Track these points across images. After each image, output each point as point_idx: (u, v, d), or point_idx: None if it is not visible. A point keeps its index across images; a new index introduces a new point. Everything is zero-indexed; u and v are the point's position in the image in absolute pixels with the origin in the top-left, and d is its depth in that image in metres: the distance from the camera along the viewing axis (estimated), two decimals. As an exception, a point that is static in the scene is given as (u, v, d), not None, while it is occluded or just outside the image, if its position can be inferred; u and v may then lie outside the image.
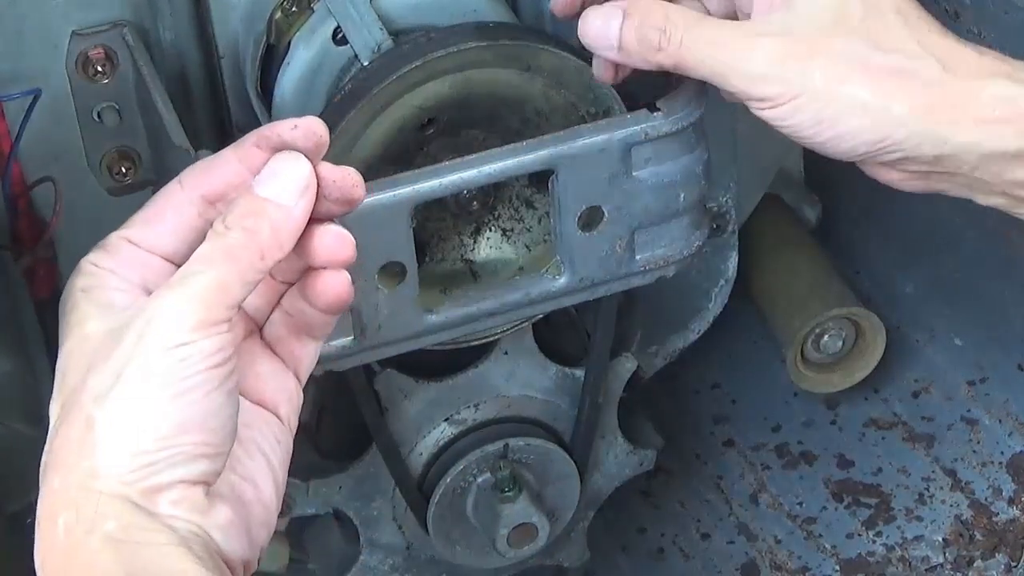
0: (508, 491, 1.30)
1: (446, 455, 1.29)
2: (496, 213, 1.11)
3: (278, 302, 0.87)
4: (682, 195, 1.06)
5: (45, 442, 1.30)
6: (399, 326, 1.05)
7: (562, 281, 1.08)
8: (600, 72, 1.00)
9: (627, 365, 1.35)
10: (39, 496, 0.80)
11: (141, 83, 1.09)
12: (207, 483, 0.79)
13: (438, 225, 1.11)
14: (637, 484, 1.49)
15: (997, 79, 0.94)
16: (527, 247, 1.12)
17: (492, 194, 1.10)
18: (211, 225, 0.82)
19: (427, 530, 1.32)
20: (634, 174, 1.02)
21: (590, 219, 1.05)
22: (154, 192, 1.15)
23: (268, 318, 0.88)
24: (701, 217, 1.10)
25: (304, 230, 0.82)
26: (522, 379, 1.30)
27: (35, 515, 0.80)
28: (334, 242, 0.83)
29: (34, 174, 1.12)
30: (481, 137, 1.08)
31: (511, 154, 1.01)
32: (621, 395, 1.36)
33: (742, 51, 0.93)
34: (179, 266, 0.82)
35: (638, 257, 1.08)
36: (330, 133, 1.01)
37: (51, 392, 1.25)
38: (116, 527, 0.76)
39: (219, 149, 1.15)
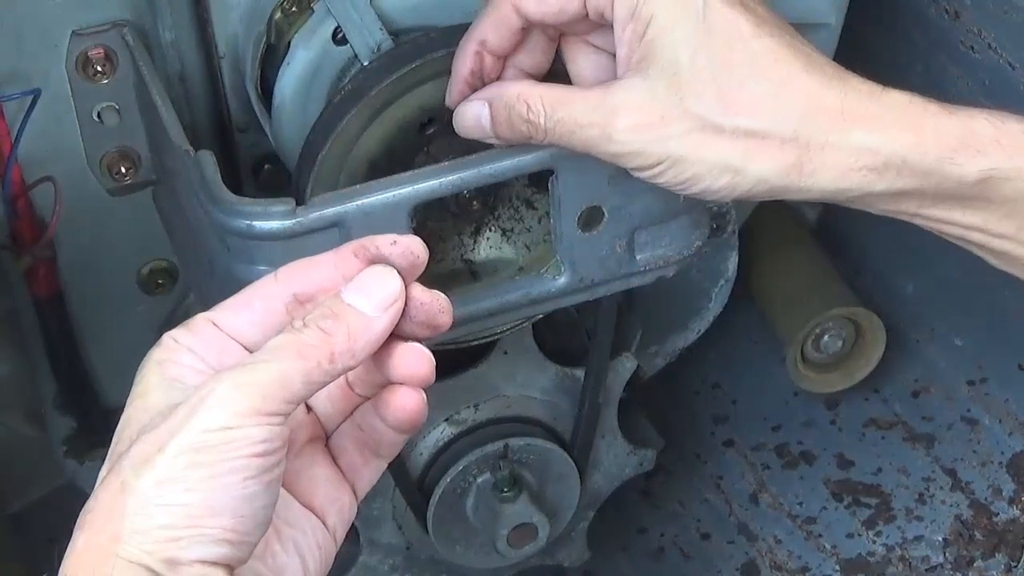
0: (508, 491, 1.30)
1: (446, 455, 1.29)
2: (496, 213, 1.11)
3: (351, 414, 0.88)
4: (682, 195, 1.06)
5: (45, 442, 1.31)
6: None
7: (562, 281, 1.08)
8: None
9: (627, 365, 1.35)
10: (65, 555, 0.79)
11: (141, 83, 1.09)
12: (229, 567, 0.78)
13: (438, 225, 1.11)
14: (637, 484, 1.49)
15: (859, 127, 0.92)
16: (527, 247, 1.12)
17: (492, 194, 1.10)
18: None
19: (427, 530, 1.32)
20: (633, 174, 1.02)
21: (590, 219, 1.05)
22: (154, 194, 1.16)
23: (338, 428, 0.88)
24: (701, 217, 1.10)
25: (385, 345, 0.82)
26: (522, 379, 1.30)
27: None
28: (414, 359, 0.84)
29: (34, 174, 1.12)
30: (481, 137, 1.08)
31: (511, 154, 1.01)
32: (621, 395, 1.36)
33: (601, 128, 0.94)
34: None
35: (638, 257, 1.08)
36: (330, 133, 1.02)
37: (51, 392, 1.26)
38: None
39: (219, 149, 1.15)
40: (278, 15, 1.12)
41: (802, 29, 1.31)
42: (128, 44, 1.10)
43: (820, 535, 1.55)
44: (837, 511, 1.56)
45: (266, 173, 1.20)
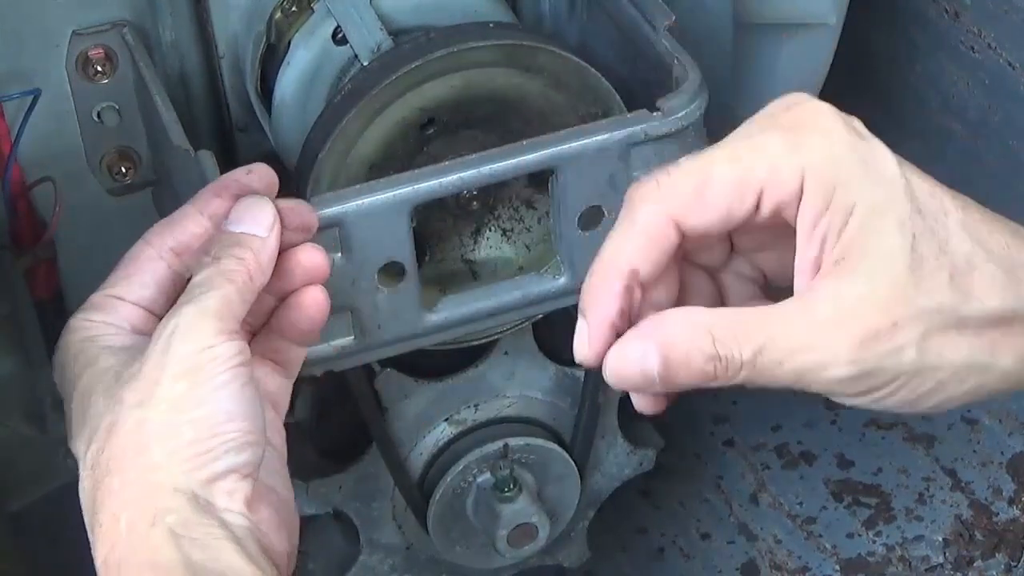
0: (508, 491, 1.30)
1: (446, 455, 1.29)
2: (496, 213, 1.11)
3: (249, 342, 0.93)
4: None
5: (45, 442, 1.31)
6: (399, 326, 1.05)
7: (562, 281, 1.08)
8: (646, 407, 0.82)
9: (627, 365, 1.34)
10: (97, 507, 0.85)
11: (141, 83, 1.09)
12: (252, 476, 0.85)
13: (438, 225, 1.11)
14: (637, 484, 1.49)
15: None
16: (527, 247, 1.12)
17: (492, 194, 1.10)
18: (181, 273, 0.92)
19: (427, 530, 1.32)
20: (634, 174, 1.02)
21: (590, 219, 1.05)
22: (153, 194, 1.16)
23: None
24: (701, 217, 1.10)
25: (279, 260, 0.91)
26: (522, 379, 1.30)
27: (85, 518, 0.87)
28: (310, 254, 0.92)
29: (34, 174, 1.12)
30: (481, 137, 1.08)
31: (511, 154, 1.01)
32: (621, 395, 1.36)
33: (818, 352, 0.76)
34: (158, 315, 0.91)
35: (638, 257, 1.08)
36: (330, 133, 1.02)
37: (51, 392, 1.25)
38: (176, 521, 0.81)
39: (219, 149, 1.15)
40: (278, 15, 1.12)
41: (802, 29, 1.31)
42: (128, 44, 1.10)
43: (820, 535, 1.55)
44: (837, 511, 1.56)
45: (266, 173, 1.20)
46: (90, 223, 1.16)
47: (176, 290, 0.92)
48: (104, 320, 0.91)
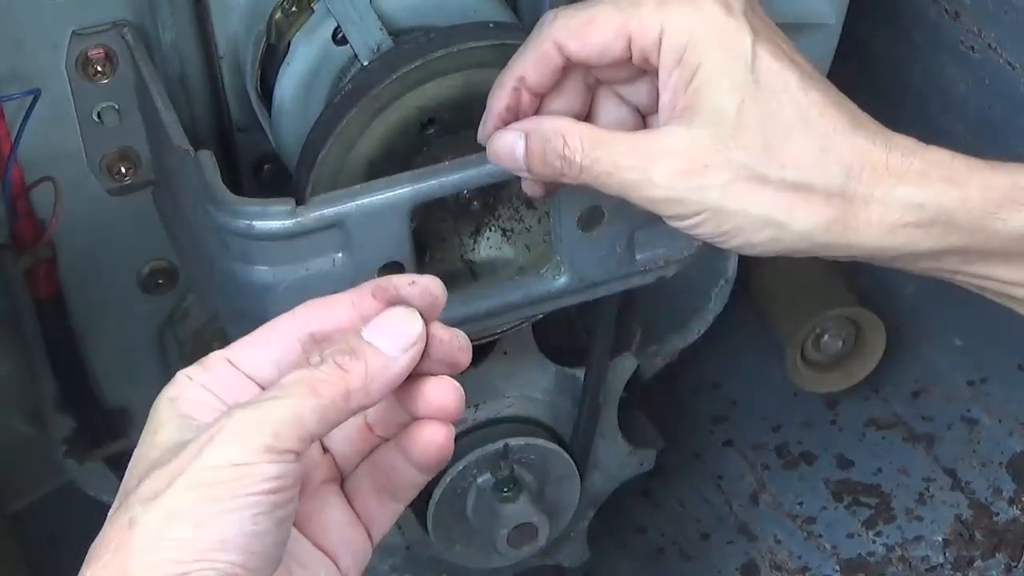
0: (508, 491, 1.30)
1: (446, 455, 1.29)
2: (496, 213, 1.11)
3: (369, 454, 0.87)
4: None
5: (45, 442, 1.31)
6: (399, 326, 1.04)
7: (562, 281, 1.08)
8: (528, 189, 0.99)
9: (627, 365, 1.35)
10: None
11: (141, 83, 1.09)
12: None
13: (438, 225, 1.11)
14: (637, 484, 1.49)
15: (905, 183, 0.90)
16: (527, 247, 1.12)
17: (492, 194, 1.10)
18: None
19: (427, 530, 1.32)
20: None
21: (590, 219, 1.05)
22: (154, 194, 1.16)
23: (355, 470, 0.87)
24: (701, 217, 1.10)
25: (409, 382, 0.81)
26: (522, 379, 1.30)
27: None
28: (442, 392, 0.82)
29: (34, 174, 1.12)
30: (481, 137, 1.08)
31: (511, 154, 1.01)
32: (621, 395, 1.36)
33: (640, 172, 0.91)
34: None
35: (638, 257, 1.08)
36: (330, 133, 1.02)
37: (51, 392, 1.25)
38: None
39: (219, 149, 1.15)
40: (278, 15, 1.12)
41: (802, 29, 1.31)
42: (128, 44, 1.10)
43: (820, 535, 1.55)
44: (837, 511, 1.56)
45: (266, 173, 1.20)
46: (90, 223, 1.16)
47: None
48: (203, 383, 0.81)
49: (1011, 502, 1.52)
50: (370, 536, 0.86)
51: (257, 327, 1.00)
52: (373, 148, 1.04)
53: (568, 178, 0.94)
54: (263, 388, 0.81)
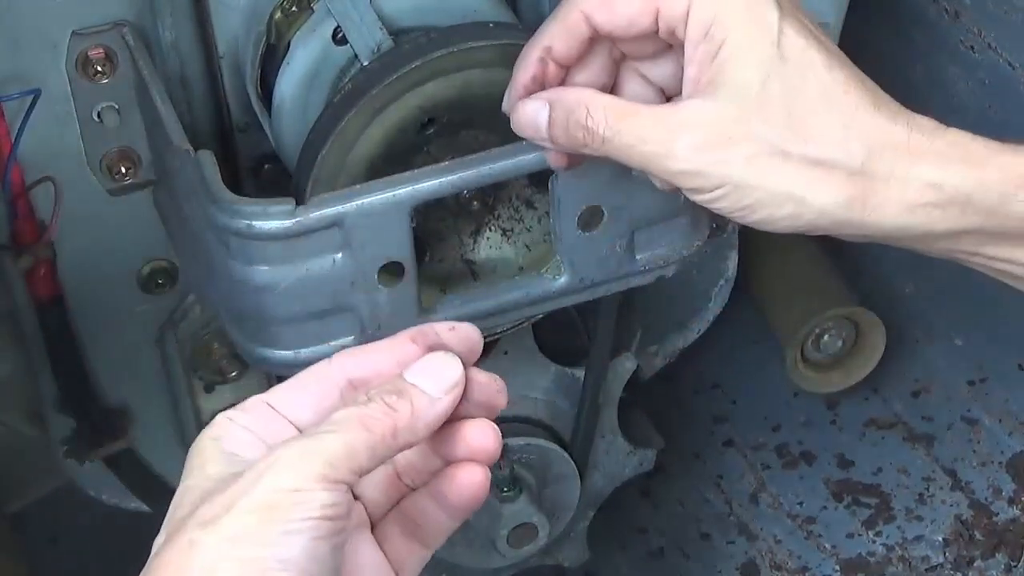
0: (508, 491, 1.30)
1: (446, 455, 1.29)
2: (496, 213, 1.11)
3: (397, 503, 0.89)
4: (682, 194, 1.06)
5: (45, 442, 1.31)
6: (399, 326, 1.04)
7: (562, 281, 1.08)
8: (551, 160, 0.99)
9: (627, 365, 1.35)
10: None
11: (141, 83, 1.09)
12: None
13: (438, 225, 1.11)
14: (637, 484, 1.49)
15: (925, 162, 0.91)
16: (527, 247, 1.12)
17: (492, 194, 1.10)
18: None
19: (427, 530, 1.32)
20: (634, 174, 1.02)
21: (590, 219, 1.05)
22: (154, 194, 1.16)
23: (384, 517, 0.89)
24: (701, 217, 1.10)
25: (444, 427, 0.84)
26: (522, 379, 1.30)
27: None
28: (482, 434, 0.85)
29: (34, 174, 1.12)
30: (481, 137, 1.08)
31: (511, 154, 1.01)
32: (621, 395, 1.36)
33: (663, 144, 0.91)
34: None
35: (638, 257, 1.08)
36: (330, 133, 1.02)
37: (51, 392, 1.25)
38: None
39: (219, 149, 1.15)
40: (278, 15, 1.12)
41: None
42: (128, 44, 1.10)
43: (820, 535, 1.55)
44: (837, 511, 1.56)
45: (266, 173, 1.20)
46: (90, 223, 1.16)
47: None
48: (245, 425, 0.83)
49: (1011, 502, 1.52)
50: None
51: (257, 326, 1.01)
52: (373, 148, 1.04)
53: (590, 149, 0.94)
54: (301, 431, 0.83)
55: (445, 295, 1.08)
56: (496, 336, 1.21)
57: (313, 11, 1.11)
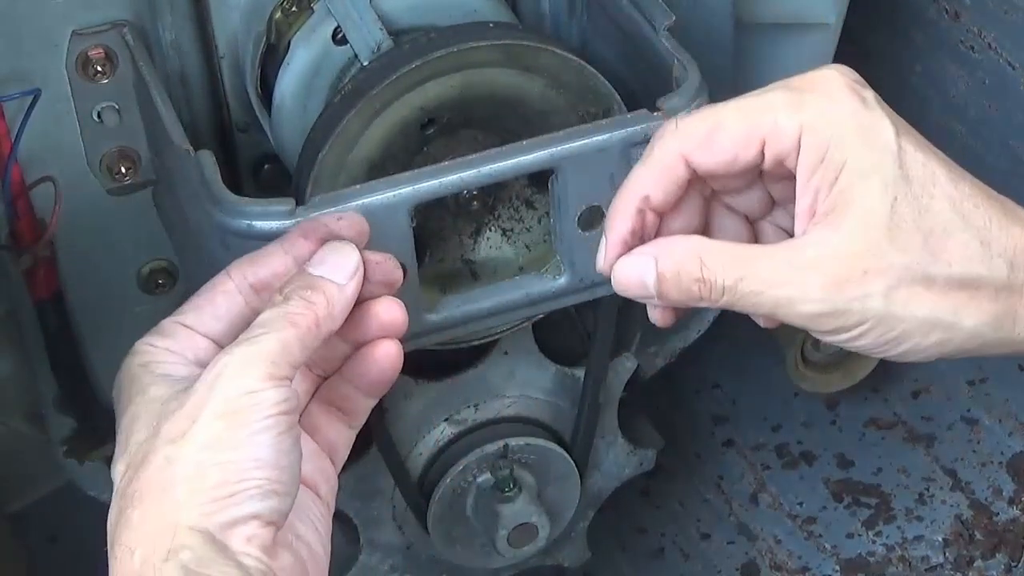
0: (508, 491, 1.30)
1: (446, 455, 1.29)
2: (496, 213, 1.11)
3: (314, 394, 0.94)
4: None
5: (45, 442, 1.31)
6: (399, 326, 1.05)
7: (562, 281, 1.08)
8: (657, 318, 0.93)
9: (627, 365, 1.35)
10: (115, 539, 0.83)
11: (141, 83, 1.09)
12: (276, 524, 0.84)
13: (438, 225, 1.11)
14: (637, 484, 1.49)
15: None
16: (527, 247, 1.12)
17: (492, 194, 1.10)
18: (257, 310, 0.89)
19: (427, 530, 1.32)
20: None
21: (590, 219, 1.05)
22: (154, 194, 1.16)
23: (306, 409, 0.94)
24: (701, 217, 1.10)
25: (352, 312, 0.90)
26: (522, 379, 1.30)
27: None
28: (389, 308, 0.91)
29: (34, 174, 1.12)
30: (481, 137, 1.08)
31: (511, 154, 1.01)
32: (621, 395, 1.36)
33: (793, 289, 0.85)
34: None
35: (638, 257, 1.08)
36: (330, 133, 1.02)
37: (51, 392, 1.25)
38: (190, 558, 0.80)
39: (219, 149, 1.15)
40: (278, 15, 1.12)
41: (802, 29, 1.31)
42: (128, 44, 1.10)
43: (820, 535, 1.55)
44: (837, 511, 1.56)
45: (266, 173, 1.20)
46: (90, 223, 1.16)
47: (248, 327, 0.89)
48: (167, 347, 0.90)
49: (1011, 502, 1.52)
50: (333, 462, 0.94)
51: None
52: (373, 148, 1.04)
53: (707, 302, 0.88)
54: (216, 343, 0.89)
55: (445, 295, 1.08)
56: (496, 336, 1.21)
57: (313, 11, 1.11)
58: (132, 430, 0.86)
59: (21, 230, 1.14)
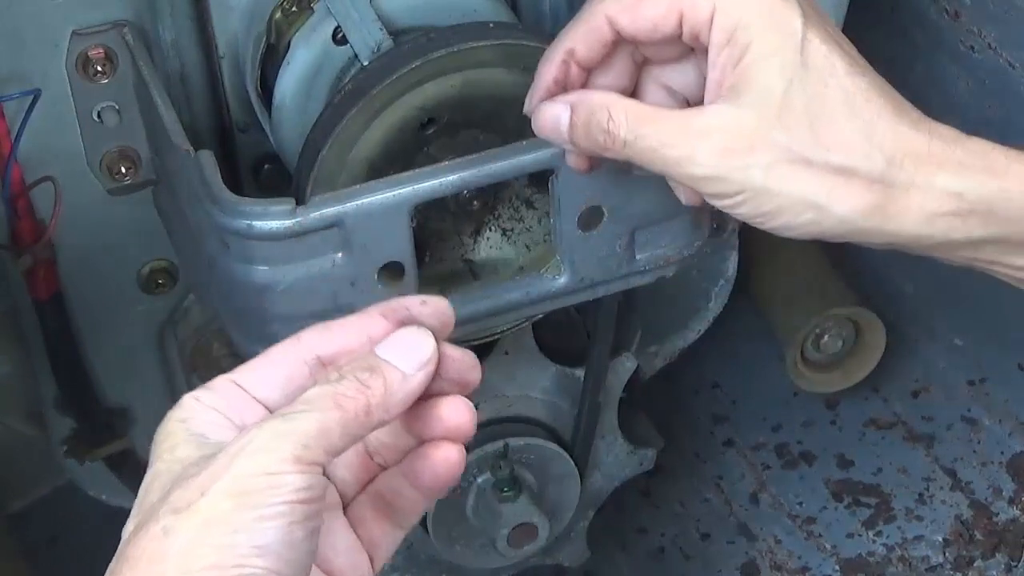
0: (508, 491, 1.30)
1: (446, 455, 1.29)
2: (496, 213, 1.11)
3: (368, 483, 0.87)
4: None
5: (45, 442, 1.31)
6: (399, 326, 1.04)
7: (562, 281, 1.08)
8: (572, 162, 1.00)
9: (627, 365, 1.35)
10: None
11: (141, 83, 1.09)
12: None
13: (438, 225, 1.11)
14: (637, 484, 1.49)
15: (945, 171, 0.91)
16: (527, 247, 1.12)
17: (492, 194, 1.10)
18: None
19: (427, 530, 1.32)
20: (634, 173, 1.02)
21: (590, 219, 1.05)
22: (154, 194, 1.16)
23: (355, 498, 0.87)
24: (701, 217, 1.10)
25: (418, 404, 0.82)
26: (522, 379, 1.30)
27: None
28: (458, 411, 0.83)
29: (34, 174, 1.12)
30: (481, 137, 1.08)
31: (511, 154, 1.01)
32: (621, 395, 1.36)
33: (684, 150, 0.91)
34: None
35: (638, 257, 1.08)
36: (330, 133, 1.02)
37: (51, 392, 1.25)
38: None
39: (219, 149, 1.15)
40: (278, 15, 1.12)
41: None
42: (128, 44, 1.10)
43: (820, 535, 1.55)
44: (837, 511, 1.56)
45: (266, 173, 1.20)
46: (90, 223, 1.16)
47: None
48: (213, 406, 0.81)
49: (1011, 502, 1.52)
50: (372, 562, 0.86)
51: (257, 326, 1.00)
52: (373, 148, 1.04)
53: (611, 152, 0.94)
54: (270, 410, 0.81)
55: (445, 295, 1.08)
56: (496, 336, 1.21)
57: (313, 11, 1.11)
58: (150, 489, 0.79)
59: (21, 230, 1.14)
